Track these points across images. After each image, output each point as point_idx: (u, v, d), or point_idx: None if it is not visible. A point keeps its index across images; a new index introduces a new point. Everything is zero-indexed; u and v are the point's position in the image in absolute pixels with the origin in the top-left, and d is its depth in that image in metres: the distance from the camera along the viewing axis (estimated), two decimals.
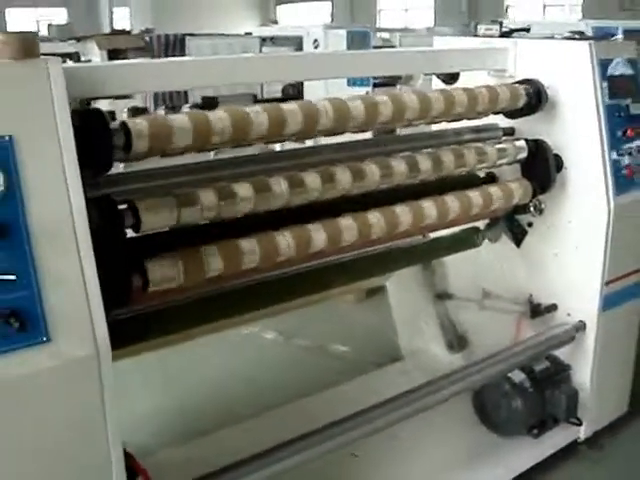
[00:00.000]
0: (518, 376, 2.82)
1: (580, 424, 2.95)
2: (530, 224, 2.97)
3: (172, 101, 6.23)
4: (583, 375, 2.93)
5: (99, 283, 1.57)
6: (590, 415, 2.97)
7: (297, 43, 9.05)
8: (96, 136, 1.65)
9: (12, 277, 1.44)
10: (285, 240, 2.03)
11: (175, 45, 7.94)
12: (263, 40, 9.12)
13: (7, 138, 1.46)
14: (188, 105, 5.71)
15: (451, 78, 2.90)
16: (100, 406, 1.60)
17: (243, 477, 2.03)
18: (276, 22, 22.72)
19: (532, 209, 2.87)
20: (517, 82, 2.72)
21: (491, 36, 2.93)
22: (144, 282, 1.80)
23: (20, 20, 22.94)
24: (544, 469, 2.89)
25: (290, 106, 1.99)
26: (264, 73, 2.31)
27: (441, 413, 2.92)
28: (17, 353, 1.47)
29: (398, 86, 6.35)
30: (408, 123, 2.39)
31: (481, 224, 3.01)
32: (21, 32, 1.53)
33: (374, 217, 2.23)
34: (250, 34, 9.63)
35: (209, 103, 5.59)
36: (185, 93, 6.98)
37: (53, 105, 1.51)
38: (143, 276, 1.79)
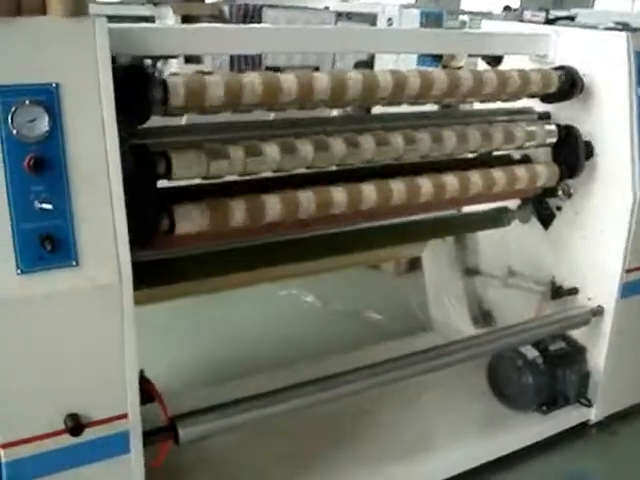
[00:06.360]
0: (532, 353, 2.92)
1: (590, 405, 3.04)
2: (559, 208, 3.04)
3: (240, 69, 6.42)
4: (598, 359, 3.00)
5: (130, 223, 1.77)
6: (602, 398, 3.05)
7: (371, 20, 9.12)
8: (135, 89, 1.83)
9: (49, 206, 1.65)
10: (307, 198, 2.18)
11: (254, 15, 8.13)
12: (339, 15, 9.22)
13: (54, 85, 1.65)
14: None
15: (495, 61, 2.98)
16: (119, 330, 1.79)
17: (245, 412, 2.22)
18: None
19: (560, 193, 2.94)
20: (553, 68, 2.79)
21: (536, 22, 2.98)
22: (171, 225, 1.99)
23: None
24: (552, 446, 2.98)
25: (317, 75, 2.14)
26: (306, 43, 2.46)
27: (457, 383, 3.08)
28: (49, 273, 1.67)
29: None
30: (438, 99, 2.51)
31: (513, 204, 3.11)
32: None
33: (396, 184, 2.36)
34: (328, 9, 9.73)
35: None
36: (259, 61, 7.16)
37: (97, 59, 1.69)
38: (170, 220, 1.98)
